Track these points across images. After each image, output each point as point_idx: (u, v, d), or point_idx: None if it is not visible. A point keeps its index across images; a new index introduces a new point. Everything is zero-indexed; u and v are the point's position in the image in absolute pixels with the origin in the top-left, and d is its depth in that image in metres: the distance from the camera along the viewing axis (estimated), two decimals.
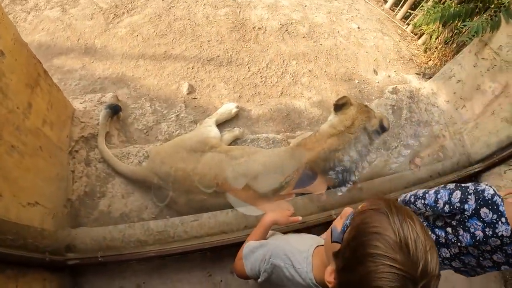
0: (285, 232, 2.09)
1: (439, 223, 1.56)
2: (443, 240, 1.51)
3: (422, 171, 2.83)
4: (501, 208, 1.29)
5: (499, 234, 1.30)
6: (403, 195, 1.75)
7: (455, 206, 1.38)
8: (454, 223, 1.45)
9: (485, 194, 1.32)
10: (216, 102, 2.84)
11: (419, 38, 4.19)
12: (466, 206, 1.35)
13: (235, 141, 2.59)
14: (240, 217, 2.07)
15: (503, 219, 1.28)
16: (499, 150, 2.87)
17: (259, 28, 3.42)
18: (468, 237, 1.37)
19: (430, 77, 3.55)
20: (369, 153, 2.29)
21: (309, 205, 2.26)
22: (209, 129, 2.43)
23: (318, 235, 2.34)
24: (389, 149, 3.04)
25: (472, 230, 1.35)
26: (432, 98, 3.42)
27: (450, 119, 3.28)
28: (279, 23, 3.51)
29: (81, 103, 2.52)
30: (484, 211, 1.31)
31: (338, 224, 0.90)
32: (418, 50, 4.05)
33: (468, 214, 1.35)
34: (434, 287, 0.71)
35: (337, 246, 0.85)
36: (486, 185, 1.37)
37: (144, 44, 3.08)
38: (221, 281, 2.11)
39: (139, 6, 3.35)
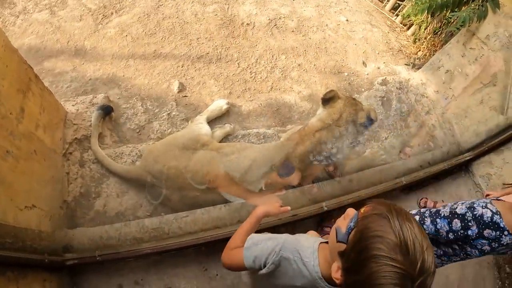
0: (278, 225, 2.15)
1: (443, 241, 1.65)
2: (451, 253, 1.61)
3: (412, 161, 2.87)
4: (501, 225, 1.38)
5: (504, 243, 1.40)
6: None
7: (459, 234, 1.46)
8: (459, 242, 1.54)
9: (485, 219, 1.40)
10: (206, 99, 2.87)
11: (408, 29, 4.22)
12: (469, 232, 1.43)
13: (226, 137, 2.63)
14: (233, 212, 2.11)
15: (505, 232, 1.38)
16: (488, 139, 2.93)
17: (247, 24, 3.44)
18: (477, 252, 1.48)
19: (420, 68, 3.59)
20: (358, 145, 2.33)
21: (300, 198, 2.30)
22: (200, 126, 2.46)
23: (310, 227, 2.40)
24: (379, 140, 3.08)
25: (479, 247, 1.45)
26: (422, 89, 3.47)
27: (439, 109, 3.33)
28: (268, 18, 3.54)
29: (73, 105, 2.54)
30: (487, 232, 1.40)
31: (342, 225, 0.98)
32: (408, 41, 4.09)
33: (473, 237, 1.44)
34: (430, 282, 0.79)
35: (342, 246, 0.92)
36: (482, 206, 1.44)
37: (134, 43, 3.10)
38: (217, 275, 2.16)
39: (127, 6, 3.36)
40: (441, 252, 1.66)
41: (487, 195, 2.21)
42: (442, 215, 1.53)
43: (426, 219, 1.60)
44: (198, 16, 3.37)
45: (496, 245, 1.41)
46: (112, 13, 3.30)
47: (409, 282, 0.75)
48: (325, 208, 2.28)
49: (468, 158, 3.02)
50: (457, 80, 3.15)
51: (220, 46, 3.21)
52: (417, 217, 1.63)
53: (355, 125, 2.22)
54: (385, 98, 3.30)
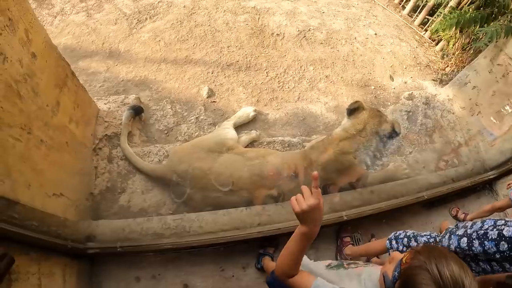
0: None
1: (481, 258, 1.69)
2: (489, 270, 1.66)
3: (435, 176, 2.83)
4: None
5: None
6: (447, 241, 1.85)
7: (505, 254, 1.54)
8: (497, 257, 1.60)
9: None
10: (234, 106, 2.93)
11: (436, 44, 4.21)
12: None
13: (252, 143, 2.67)
14: (253, 215, 2.14)
15: None
16: None
17: (277, 34, 3.51)
18: None
19: (447, 84, 3.57)
20: (381, 157, 2.34)
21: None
22: (226, 131, 2.52)
23: (328, 235, 2.41)
24: (403, 154, 3.07)
25: None
26: (448, 105, 3.44)
27: (465, 125, 3.28)
28: (297, 30, 3.60)
29: (105, 104, 2.65)
30: None
31: (388, 270, 1.08)
32: (436, 57, 4.07)
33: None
34: None
35: None
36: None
37: (166, 48, 3.20)
38: (233, 276, 2.19)
39: (161, 12, 3.48)
40: (480, 269, 1.71)
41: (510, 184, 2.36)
42: (490, 237, 1.59)
43: (474, 241, 1.65)
44: (230, 25, 3.46)
45: None
46: (146, 19, 3.43)
47: None
48: (345, 218, 2.29)
49: (492, 176, 2.95)
50: (483, 97, 3.11)
51: (250, 55, 3.28)
52: (464, 239, 1.69)
53: (378, 136, 2.23)
54: (410, 113, 3.28)
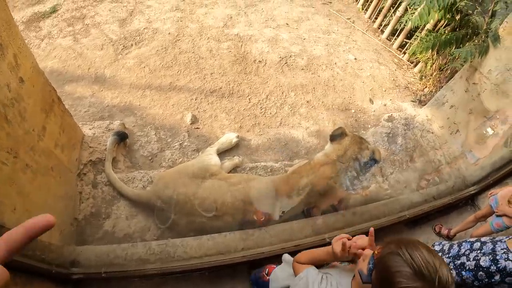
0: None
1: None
2: None
3: (416, 195, 2.88)
4: None
5: None
6: None
7: (483, 281, 1.62)
8: (476, 285, 1.69)
9: (508, 270, 1.57)
10: (217, 132, 2.99)
11: (415, 66, 4.35)
12: (493, 280, 1.61)
13: (235, 169, 2.72)
14: (237, 240, 2.18)
15: None
16: (493, 172, 2.91)
17: (259, 61, 3.62)
18: None
19: (425, 104, 3.68)
20: (360, 181, 2.40)
21: (304, 229, 2.35)
22: (210, 157, 2.57)
23: None
24: (384, 175, 3.13)
25: None
26: (427, 125, 3.53)
27: (445, 144, 3.36)
28: (279, 56, 3.71)
29: (90, 129, 2.69)
30: (508, 279, 1.58)
31: (363, 267, 1.12)
32: (414, 78, 4.21)
33: (496, 283, 1.61)
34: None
35: (369, 286, 1.08)
36: (504, 259, 1.59)
37: (151, 75, 3.27)
38: None
39: (146, 39, 3.57)
40: None
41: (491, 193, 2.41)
42: (467, 268, 1.66)
43: (451, 271, 1.66)
44: (213, 52, 3.56)
45: None
46: (132, 45, 3.51)
47: None
48: (327, 240, 2.32)
49: (473, 192, 3.01)
50: (461, 115, 3.19)
51: (233, 82, 3.37)
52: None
53: (358, 162, 2.30)
54: (390, 134, 3.38)
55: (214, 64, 3.47)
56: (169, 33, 3.64)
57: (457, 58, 3.38)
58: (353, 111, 3.52)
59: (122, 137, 2.65)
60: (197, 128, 2.99)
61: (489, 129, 2.96)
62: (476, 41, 2.97)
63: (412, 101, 3.86)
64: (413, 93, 4.00)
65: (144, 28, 3.67)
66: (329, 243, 2.34)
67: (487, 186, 2.98)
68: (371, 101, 3.68)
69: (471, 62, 2.98)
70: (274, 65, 3.63)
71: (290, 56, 3.77)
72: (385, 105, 3.70)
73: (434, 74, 4.03)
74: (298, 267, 1.41)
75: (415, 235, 2.87)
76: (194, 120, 3.02)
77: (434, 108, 3.51)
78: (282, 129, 3.16)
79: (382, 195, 2.89)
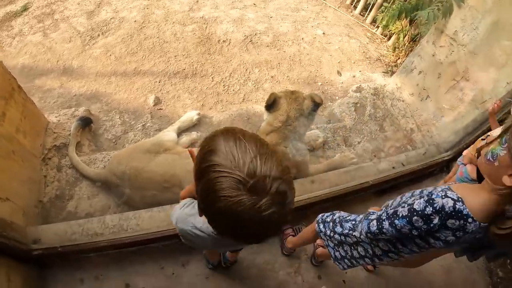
0: None
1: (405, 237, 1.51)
2: (416, 249, 1.47)
3: (383, 163, 2.86)
4: (465, 212, 1.25)
5: (469, 231, 1.28)
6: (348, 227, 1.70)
7: (422, 229, 1.33)
8: (415, 234, 1.41)
9: (446, 209, 1.27)
10: (180, 112, 3.07)
11: (389, 39, 4.32)
12: (431, 225, 1.31)
13: (193, 145, 2.79)
14: None
15: (469, 220, 1.25)
16: (466, 136, 2.87)
17: (223, 40, 3.67)
18: (441, 243, 1.36)
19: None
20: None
21: None
22: (166, 133, 2.67)
23: None
24: (351, 145, 3.14)
25: (443, 238, 1.33)
26: (397, 93, 3.51)
27: (416, 111, 3.34)
28: (244, 35, 3.76)
29: (56, 117, 2.82)
30: (450, 222, 1.28)
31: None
32: (388, 51, 4.18)
33: (435, 229, 1.31)
34: (275, 186, 0.82)
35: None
36: (441, 196, 1.30)
37: (117, 62, 3.37)
38: (173, 273, 2.26)
39: (113, 28, 3.66)
40: (401, 249, 1.51)
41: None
42: (400, 215, 1.38)
43: (384, 222, 1.45)
44: (177, 36, 3.63)
45: (461, 233, 1.29)
46: (99, 35, 3.60)
47: (240, 184, 0.82)
48: None
49: (447, 158, 2.96)
50: (430, 81, 3.15)
51: (196, 62, 3.44)
52: (374, 222, 1.51)
53: (303, 116, 2.32)
54: (358, 104, 3.39)
55: (178, 47, 3.54)
56: (135, 21, 3.72)
57: (422, 23, 3.34)
58: (319, 83, 3.54)
59: (85, 122, 2.77)
60: (160, 109, 3.07)
61: (459, 92, 2.92)
62: (440, 4, 2.90)
63: (384, 72, 3.84)
64: (386, 64, 3.99)
65: (111, 18, 3.76)
66: None
67: (461, 151, 2.91)
68: (339, 73, 3.69)
69: (434, 23, 2.93)
70: (238, 44, 3.68)
71: (255, 34, 3.81)
72: (354, 76, 3.70)
73: (407, 44, 3.99)
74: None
75: (382, 202, 2.85)
76: (157, 101, 3.11)
77: (403, 76, 3.47)
78: (245, 104, 3.22)
79: (347, 164, 2.88)
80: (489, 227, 1.28)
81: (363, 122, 3.29)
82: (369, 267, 2.43)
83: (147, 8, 3.88)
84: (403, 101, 3.46)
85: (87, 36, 3.60)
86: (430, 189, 1.40)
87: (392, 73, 3.81)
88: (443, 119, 3.08)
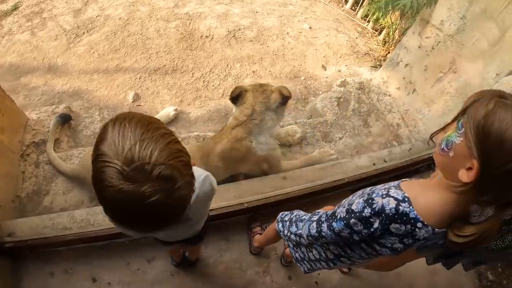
0: None
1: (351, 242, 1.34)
2: (364, 255, 1.27)
3: (364, 159, 2.76)
4: (412, 215, 1.04)
5: (421, 238, 1.07)
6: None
7: (363, 234, 1.14)
8: (367, 241, 1.21)
9: (387, 211, 1.05)
10: (158, 108, 3.12)
11: (380, 33, 4.25)
12: (372, 229, 1.10)
13: None
14: None
15: (419, 224, 1.04)
16: None
17: (206, 36, 3.69)
18: (388, 251, 1.15)
19: None
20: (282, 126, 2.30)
21: (224, 194, 2.39)
22: None
23: (239, 227, 2.46)
24: (332, 141, 3.11)
25: (389, 245, 1.13)
26: (383, 87, 3.44)
27: (402, 106, 3.27)
28: (227, 30, 3.77)
29: (36, 114, 2.90)
30: (394, 226, 1.06)
31: None
32: (378, 45, 4.12)
33: (378, 234, 1.11)
34: (156, 171, 0.81)
35: None
36: (381, 196, 1.09)
37: (99, 59, 3.43)
38: (138, 269, 2.30)
39: (98, 26, 3.72)
40: (351, 254, 1.33)
41: None
42: (339, 217, 1.20)
43: (323, 225, 1.29)
44: (160, 32, 3.67)
45: (410, 241, 1.08)
46: (84, 33, 3.67)
47: (119, 174, 0.81)
48: (246, 205, 2.32)
49: (432, 154, 2.88)
50: (416, 73, 3.08)
51: (177, 58, 3.48)
52: (314, 225, 1.35)
53: (271, 110, 2.31)
54: (342, 99, 3.36)
55: (161, 44, 3.58)
56: (119, 18, 3.77)
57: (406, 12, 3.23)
58: (303, 78, 3.52)
59: (64, 119, 2.83)
60: (139, 105, 3.12)
61: (447, 85, 2.84)
62: None
63: (372, 66, 3.79)
64: (375, 59, 3.94)
65: (96, 16, 3.82)
66: (251, 210, 2.36)
67: None
68: (323, 67, 3.66)
69: (417, 13, 2.86)
70: (221, 39, 3.70)
71: (239, 29, 3.81)
72: (339, 71, 3.67)
73: (397, 38, 3.92)
74: None
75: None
76: (136, 98, 3.16)
77: (389, 69, 3.40)
78: (223, 100, 3.24)
79: (325, 160, 2.84)
80: (447, 232, 1.06)
81: (346, 117, 3.25)
82: (344, 269, 2.35)
83: (133, 5, 3.93)
84: (389, 95, 3.39)
85: (73, 34, 3.67)
86: (379, 186, 1.19)
87: (381, 66, 3.74)
88: (431, 113, 3.00)
